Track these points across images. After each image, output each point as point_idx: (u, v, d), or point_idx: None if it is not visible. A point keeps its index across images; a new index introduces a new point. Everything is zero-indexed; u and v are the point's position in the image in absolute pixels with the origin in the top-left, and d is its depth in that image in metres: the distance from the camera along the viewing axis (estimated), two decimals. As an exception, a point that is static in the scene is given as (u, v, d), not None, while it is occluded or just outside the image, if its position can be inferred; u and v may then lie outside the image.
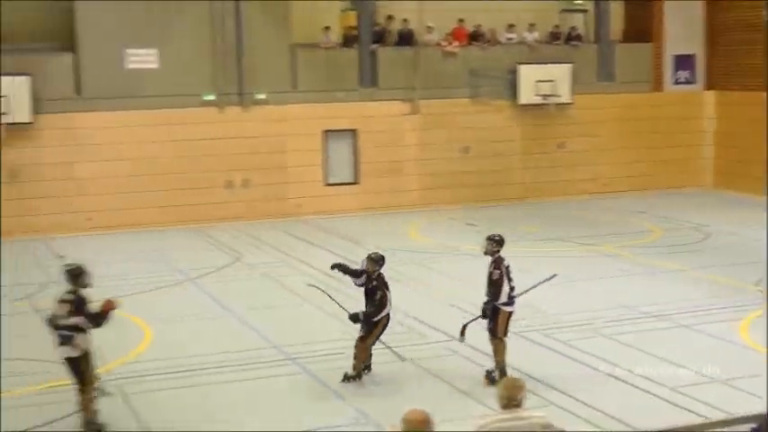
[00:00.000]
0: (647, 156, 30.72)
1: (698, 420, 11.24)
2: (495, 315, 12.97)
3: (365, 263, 13.13)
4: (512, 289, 12.99)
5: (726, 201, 29.01)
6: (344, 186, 28.36)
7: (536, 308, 16.08)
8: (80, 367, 11.42)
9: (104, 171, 25.90)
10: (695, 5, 31.28)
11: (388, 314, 13.13)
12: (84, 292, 11.52)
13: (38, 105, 25.00)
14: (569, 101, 29.64)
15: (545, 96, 29.36)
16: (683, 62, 31.41)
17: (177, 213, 26.36)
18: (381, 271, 13.10)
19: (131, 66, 26.27)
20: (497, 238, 13.14)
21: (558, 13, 31.91)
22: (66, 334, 11.33)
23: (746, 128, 29.56)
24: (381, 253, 13.30)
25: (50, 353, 11.85)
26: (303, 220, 26.73)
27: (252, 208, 27.14)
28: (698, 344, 14.77)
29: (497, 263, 12.98)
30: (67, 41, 26.20)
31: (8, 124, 24.63)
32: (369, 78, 28.41)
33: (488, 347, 13.14)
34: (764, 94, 27.58)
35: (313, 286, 14.66)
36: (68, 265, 11.93)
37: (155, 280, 19.83)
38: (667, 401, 12.18)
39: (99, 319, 11.42)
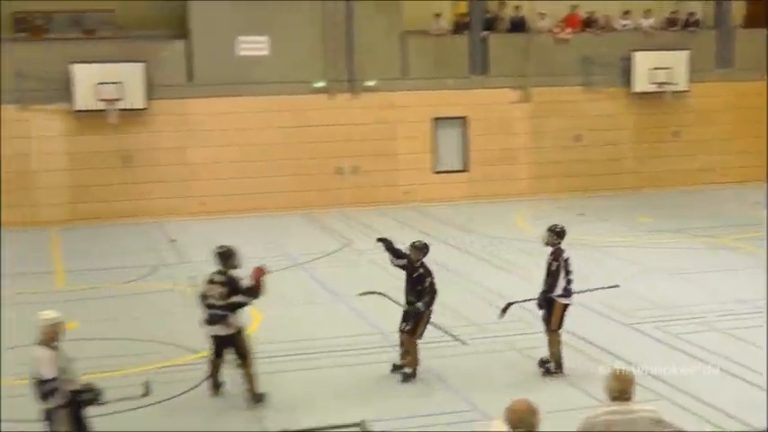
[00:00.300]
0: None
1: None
2: (551, 307, 12.78)
3: (408, 251, 12.76)
4: (569, 282, 12.74)
5: None
6: (453, 174, 28.22)
7: (649, 300, 15.68)
8: (237, 343, 11.83)
9: (216, 156, 26.24)
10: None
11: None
12: (234, 272, 11.87)
13: (151, 91, 25.46)
14: (686, 88, 28.90)
15: (660, 84, 28.73)
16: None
17: (287, 199, 26.56)
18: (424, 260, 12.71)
19: (243, 53, 26.54)
20: (558, 229, 12.92)
21: (675, -2, 31.18)
22: (219, 314, 11.73)
23: None
24: (425, 242, 12.94)
25: (164, 333, 11.98)
26: (411, 208, 26.65)
27: (361, 194, 27.18)
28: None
29: (556, 254, 12.76)
30: (180, 29, 26.61)
31: (123, 110, 25.13)
32: (479, 65, 28.18)
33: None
34: None
35: (368, 294, 14.16)
36: (220, 246, 12.22)
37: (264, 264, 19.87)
38: (786, 399, 11.71)
39: (255, 290, 11.83)
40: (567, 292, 12.77)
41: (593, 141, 28.80)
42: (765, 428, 10.39)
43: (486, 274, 18.73)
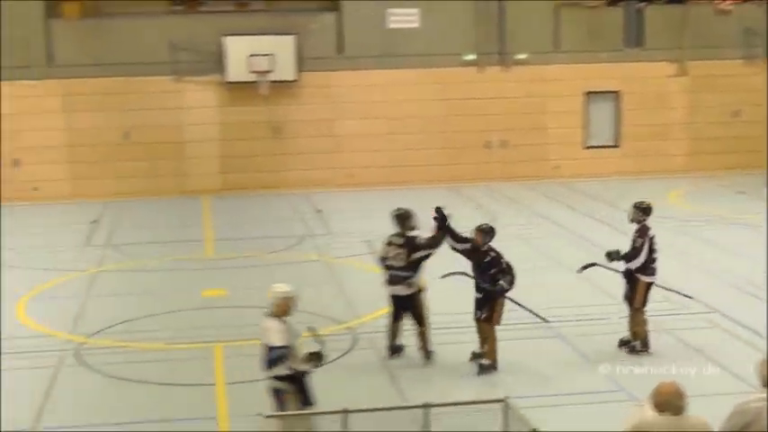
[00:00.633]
0: None
1: None
2: (635, 284, 12.50)
3: (474, 234, 12.08)
4: (653, 261, 12.47)
5: None
6: (605, 149, 27.61)
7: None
8: (416, 303, 12.31)
9: (363, 129, 26.30)
10: None
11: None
12: (412, 233, 12.26)
13: (301, 63, 25.65)
14: None
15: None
16: None
17: (434, 172, 26.44)
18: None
19: (393, 25, 26.47)
20: (644, 205, 12.68)
21: None
22: (401, 275, 12.20)
23: None
24: (491, 225, 12.29)
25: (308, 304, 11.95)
26: (561, 183, 26.19)
27: (509, 169, 26.85)
28: None
29: (642, 231, 12.51)
30: (331, 1, 26.69)
31: (273, 81, 25.41)
32: (634, 38, 27.39)
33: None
34: None
35: (450, 275, 12.79)
36: (397, 209, 12.59)
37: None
38: None
39: (436, 239, 12.17)
40: (652, 271, 12.55)
41: (753, 117, 27.69)
42: None
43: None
